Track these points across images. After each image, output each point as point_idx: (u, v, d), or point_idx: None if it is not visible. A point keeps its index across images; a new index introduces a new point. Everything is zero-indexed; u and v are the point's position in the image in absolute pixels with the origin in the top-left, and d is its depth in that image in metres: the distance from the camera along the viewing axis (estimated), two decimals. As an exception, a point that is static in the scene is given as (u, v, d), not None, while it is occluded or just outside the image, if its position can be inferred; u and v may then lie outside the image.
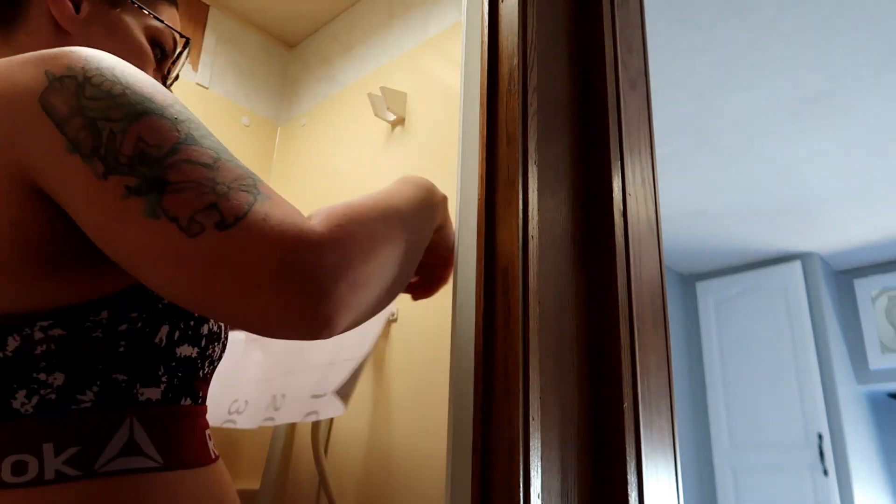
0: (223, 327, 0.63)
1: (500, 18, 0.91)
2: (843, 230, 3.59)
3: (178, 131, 0.48)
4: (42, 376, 0.48)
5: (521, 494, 0.66)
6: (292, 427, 1.18)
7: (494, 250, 0.79)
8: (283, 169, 1.53)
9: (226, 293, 0.44)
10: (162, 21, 0.71)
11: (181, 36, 0.74)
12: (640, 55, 1.06)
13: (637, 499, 0.76)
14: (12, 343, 0.47)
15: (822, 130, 2.64)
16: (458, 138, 0.93)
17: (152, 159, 0.46)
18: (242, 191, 0.46)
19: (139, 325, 0.52)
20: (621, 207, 0.89)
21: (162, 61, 0.73)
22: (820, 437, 3.46)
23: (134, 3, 0.70)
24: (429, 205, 0.67)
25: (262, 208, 0.46)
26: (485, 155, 0.84)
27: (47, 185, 0.47)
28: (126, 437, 0.51)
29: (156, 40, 0.72)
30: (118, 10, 0.69)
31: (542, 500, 0.69)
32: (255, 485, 1.13)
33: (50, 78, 0.49)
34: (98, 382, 0.50)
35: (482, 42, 0.91)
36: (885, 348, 3.80)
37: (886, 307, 3.87)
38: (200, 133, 0.50)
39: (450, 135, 1.09)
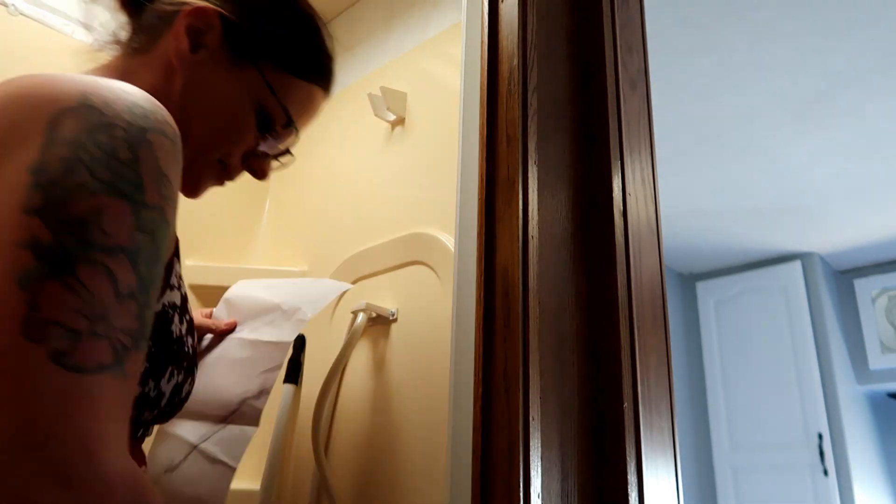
0: (164, 398, 0.59)
1: (500, 18, 0.91)
2: (843, 230, 3.59)
3: (132, 239, 0.43)
4: None
5: (521, 494, 0.66)
6: (292, 427, 1.18)
7: (494, 250, 0.79)
8: (282, 169, 1.53)
9: None
10: (276, 95, 0.67)
11: (289, 121, 0.68)
12: (640, 55, 1.06)
13: (637, 499, 0.76)
14: None
15: (822, 130, 2.64)
16: (458, 138, 0.93)
17: (87, 238, 0.41)
18: (113, 347, 0.40)
19: None
20: (621, 207, 0.89)
21: (265, 135, 0.69)
22: (820, 437, 3.46)
23: (260, 71, 0.66)
24: None
25: (105, 384, 0.39)
26: (485, 155, 0.84)
27: None
28: None
29: (264, 108, 0.67)
30: (236, 69, 0.65)
31: (542, 500, 0.69)
32: (255, 485, 1.13)
33: (81, 101, 0.46)
34: None
35: (482, 42, 0.91)
36: (885, 348, 3.80)
37: (886, 307, 3.87)
38: (148, 255, 0.45)
39: (450, 135, 1.09)
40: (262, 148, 0.70)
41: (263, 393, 0.84)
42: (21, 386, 0.36)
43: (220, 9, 0.65)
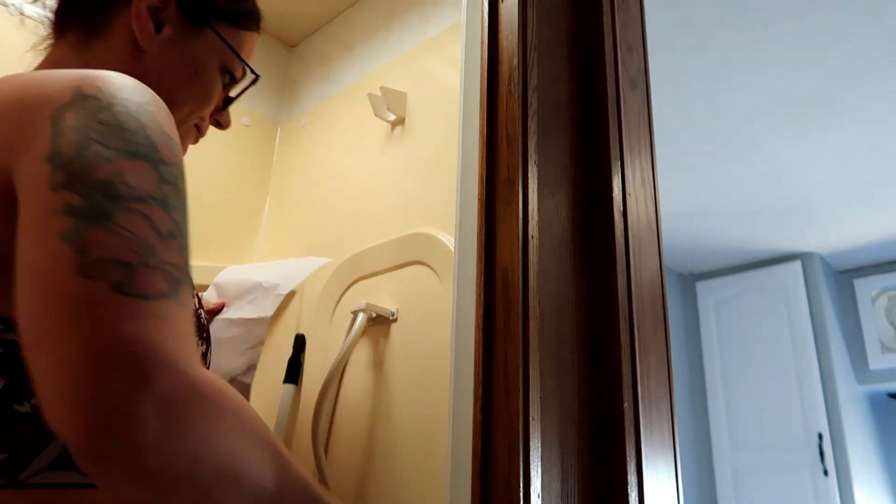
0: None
1: (500, 18, 0.91)
2: (843, 230, 3.59)
3: (159, 189, 0.47)
4: None
5: (521, 494, 0.66)
6: (292, 427, 1.18)
7: (494, 250, 0.79)
8: (283, 169, 1.53)
9: (58, 349, 0.38)
10: (239, 56, 0.72)
11: (253, 72, 0.74)
12: (640, 55, 1.06)
13: (637, 499, 0.76)
14: None
15: (822, 130, 2.64)
16: (458, 138, 0.93)
17: (116, 194, 0.44)
18: (166, 277, 0.43)
19: None
20: (621, 207, 0.89)
21: (226, 86, 0.74)
22: (820, 437, 3.46)
23: (215, 30, 0.70)
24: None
25: (168, 308, 0.42)
26: (485, 155, 0.84)
27: (17, 191, 0.45)
28: (58, 450, 0.48)
29: (227, 68, 0.72)
30: (196, 35, 0.70)
31: (542, 500, 0.69)
32: (255, 485, 1.13)
33: (76, 95, 0.49)
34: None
35: (482, 42, 0.91)
36: (885, 348, 3.80)
37: (886, 307, 3.87)
38: (177, 204, 0.48)
39: (450, 135, 1.09)
40: (226, 115, 0.76)
41: (251, 369, 0.86)
42: (93, 317, 0.39)
43: None
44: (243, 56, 0.74)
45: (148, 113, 0.50)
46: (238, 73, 0.74)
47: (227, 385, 0.44)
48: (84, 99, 0.48)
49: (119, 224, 0.43)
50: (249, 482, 0.44)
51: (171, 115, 0.54)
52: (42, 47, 0.70)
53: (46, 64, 0.67)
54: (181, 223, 0.48)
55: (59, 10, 0.70)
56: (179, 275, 0.45)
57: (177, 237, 0.46)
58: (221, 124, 0.77)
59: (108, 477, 0.39)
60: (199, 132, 0.76)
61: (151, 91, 0.54)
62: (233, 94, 0.77)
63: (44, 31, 0.71)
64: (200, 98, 0.70)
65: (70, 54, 0.67)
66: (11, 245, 0.44)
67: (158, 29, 0.67)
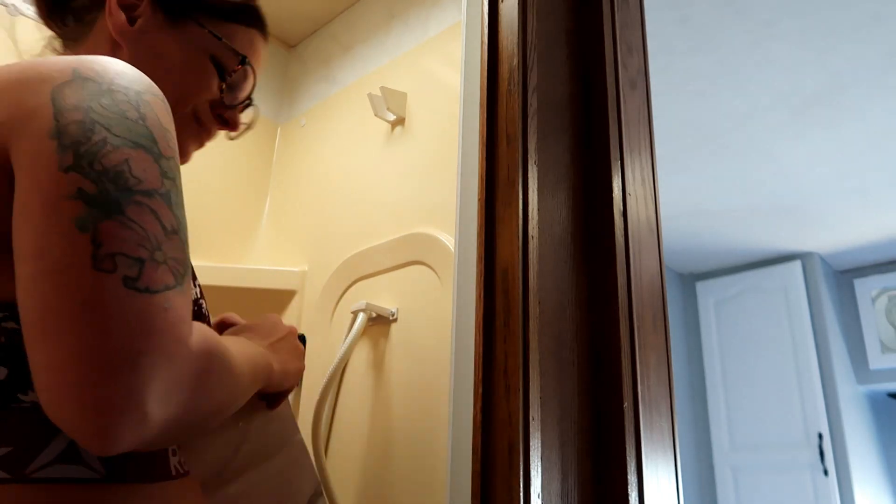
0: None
1: (500, 18, 0.91)
2: (843, 230, 3.59)
3: (162, 183, 0.48)
4: None
5: (521, 494, 0.66)
6: (292, 427, 1.18)
7: (494, 250, 0.79)
8: (283, 169, 1.53)
9: (70, 342, 0.40)
10: (220, 39, 0.70)
11: (236, 55, 0.71)
12: (640, 55, 1.06)
13: (637, 499, 0.76)
14: None
15: (822, 130, 2.63)
16: (458, 138, 0.93)
17: (125, 186, 0.45)
18: (171, 272, 0.45)
19: None
20: (621, 207, 0.89)
21: (223, 82, 0.72)
22: (820, 437, 3.46)
23: (199, 23, 0.69)
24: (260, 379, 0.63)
25: (173, 298, 0.44)
26: (485, 155, 0.84)
27: (15, 166, 0.45)
28: (65, 443, 0.47)
29: (219, 61, 0.71)
30: (177, 28, 0.69)
31: (542, 500, 0.69)
32: (255, 485, 1.13)
33: (75, 75, 0.49)
34: None
35: (482, 42, 0.91)
36: (885, 348, 3.80)
37: (886, 307, 3.87)
38: (177, 200, 0.49)
39: (450, 135, 1.09)
40: (225, 98, 0.73)
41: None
42: (104, 313, 0.41)
43: None
44: (244, 54, 0.72)
45: (146, 103, 0.50)
46: (230, 64, 0.71)
47: (209, 338, 0.48)
48: (83, 80, 0.49)
49: (130, 217, 0.44)
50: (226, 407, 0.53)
51: (168, 106, 0.54)
52: (38, 52, 0.71)
53: None
54: (182, 219, 0.49)
55: (49, 16, 0.71)
56: (182, 269, 0.47)
57: (179, 233, 0.48)
58: (227, 123, 0.75)
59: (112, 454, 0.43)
60: (204, 129, 0.74)
61: (149, 79, 0.54)
62: (237, 93, 0.75)
63: (41, 32, 0.73)
64: (184, 84, 0.69)
65: (65, 53, 0.69)
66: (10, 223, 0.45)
67: (132, 22, 0.67)
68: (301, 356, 0.75)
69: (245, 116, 0.79)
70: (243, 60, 0.72)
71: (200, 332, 0.47)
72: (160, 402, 0.42)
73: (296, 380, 0.73)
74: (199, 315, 0.62)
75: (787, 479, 3.52)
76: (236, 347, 0.56)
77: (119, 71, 0.51)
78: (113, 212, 0.43)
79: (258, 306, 1.33)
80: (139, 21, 0.67)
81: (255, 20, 0.75)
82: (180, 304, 0.45)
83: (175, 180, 0.50)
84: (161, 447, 0.50)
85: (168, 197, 0.48)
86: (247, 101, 0.77)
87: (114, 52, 0.67)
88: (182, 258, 0.47)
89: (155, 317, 0.42)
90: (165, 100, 0.54)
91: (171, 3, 0.69)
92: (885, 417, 4.09)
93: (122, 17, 0.67)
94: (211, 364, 0.47)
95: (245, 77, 0.74)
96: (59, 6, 0.71)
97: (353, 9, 1.51)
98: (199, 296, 0.64)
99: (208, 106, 0.73)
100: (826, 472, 3.39)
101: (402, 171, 1.19)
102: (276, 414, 0.75)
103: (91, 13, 0.69)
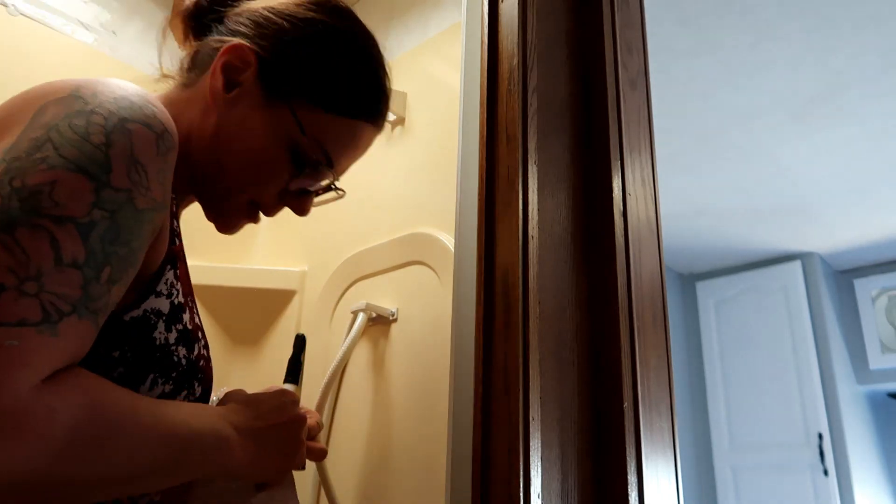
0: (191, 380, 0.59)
1: (500, 18, 0.91)
2: (843, 230, 3.59)
3: (88, 213, 0.44)
4: None
5: (521, 494, 0.66)
6: (292, 427, 1.18)
7: (494, 250, 0.79)
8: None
9: None
10: (305, 133, 0.64)
11: (327, 160, 0.66)
12: (640, 55, 1.06)
13: (637, 499, 0.76)
14: None
15: (822, 130, 2.63)
16: (458, 138, 0.93)
17: (34, 206, 0.42)
18: (43, 306, 0.41)
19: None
20: (621, 207, 0.89)
21: (302, 175, 0.67)
22: (820, 437, 3.46)
23: (292, 109, 0.64)
24: (190, 445, 0.52)
25: (26, 336, 0.40)
26: (485, 155, 0.84)
27: None
28: None
29: (298, 150, 0.65)
30: (270, 109, 0.64)
31: (542, 500, 0.69)
32: (255, 485, 1.13)
33: (71, 94, 0.48)
34: None
35: (482, 42, 0.91)
36: (885, 348, 3.80)
37: (886, 307, 3.87)
38: (106, 234, 0.45)
39: (450, 135, 1.09)
40: (300, 185, 0.68)
41: None
42: None
43: (255, 47, 0.64)
44: (336, 145, 0.67)
45: (124, 131, 0.48)
46: (313, 157, 0.65)
47: (77, 399, 0.42)
48: (75, 99, 0.48)
49: (17, 239, 0.41)
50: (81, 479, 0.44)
51: (165, 140, 0.51)
52: (151, 88, 0.69)
53: (161, 99, 0.67)
54: (100, 254, 0.45)
55: (189, 56, 0.69)
56: (66, 307, 0.42)
57: (83, 268, 0.43)
58: (296, 209, 0.70)
59: None
60: (257, 211, 0.69)
61: (159, 112, 0.51)
62: (309, 186, 0.70)
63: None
64: (255, 172, 0.65)
65: (164, 97, 0.67)
66: None
67: (229, 89, 0.64)
68: (293, 453, 0.63)
69: (328, 196, 0.75)
70: (328, 162, 0.66)
71: (66, 382, 0.42)
72: None
73: (274, 477, 0.63)
74: (166, 363, 0.56)
75: (787, 479, 3.52)
76: (160, 419, 0.48)
77: (120, 95, 0.50)
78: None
79: (258, 306, 1.33)
80: (236, 90, 0.64)
81: (366, 113, 0.69)
82: (33, 346, 0.40)
83: (115, 214, 0.46)
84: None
85: (88, 228, 0.44)
86: (321, 189, 0.72)
87: (203, 112, 0.64)
88: (73, 296, 0.42)
89: None
90: (165, 136, 0.51)
91: (275, 80, 0.64)
92: (885, 417, 4.09)
93: (221, 81, 0.63)
94: (70, 423, 0.41)
95: (320, 172, 0.68)
96: (200, 31, 0.69)
97: (353, 9, 1.51)
98: (172, 342, 0.58)
99: (274, 193, 0.68)
100: (826, 472, 3.39)
101: (402, 171, 1.19)
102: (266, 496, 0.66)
103: (209, 62, 0.65)
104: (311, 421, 0.73)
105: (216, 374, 0.70)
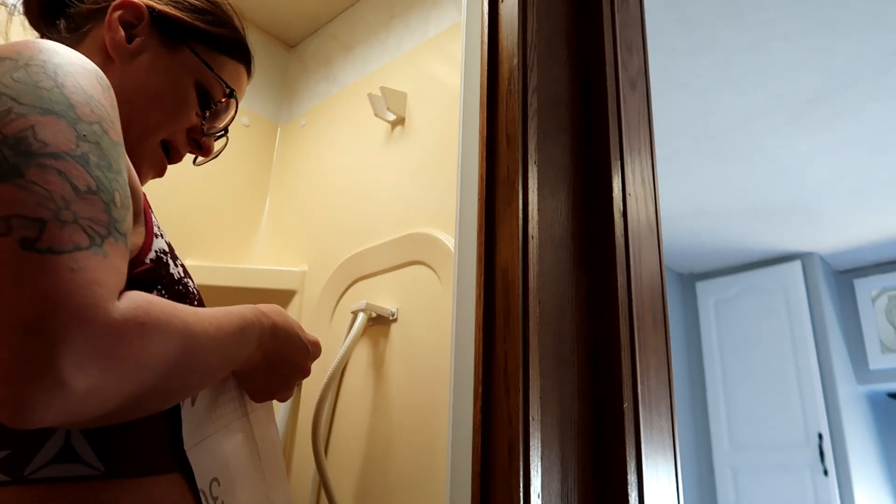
0: None
1: (500, 18, 0.91)
2: (843, 230, 3.59)
3: (76, 145, 0.45)
4: None
5: (521, 494, 0.66)
6: (293, 427, 1.18)
7: (494, 250, 0.79)
8: (283, 169, 1.53)
9: None
10: (212, 69, 0.72)
11: (227, 87, 0.74)
12: (640, 55, 1.06)
13: (637, 499, 0.76)
14: None
15: (822, 130, 2.64)
16: (458, 138, 0.93)
17: (27, 150, 0.43)
18: (85, 231, 0.42)
19: None
20: (621, 207, 0.89)
21: (206, 111, 0.73)
22: (820, 437, 3.46)
23: (193, 51, 0.71)
24: (242, 337, 0.58)
25: (85, 259, 0.41)
26: (485, 155, 0.84)
27: None
28: (61, 443, 0.48)
29: (204, 89, 0.72)
30: (171, 53, 0.70)
31: (542, 500, 0.69)
32: (255, 485, 1.13)
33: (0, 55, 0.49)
34: None
35: (482, 42, 0.91)
36: (885, 348, 3.80)
37: (886, 307, 3.87)
38: (100, 161, 0.47)
39: (450, 135, 1.09)
40: (205, 126, 0.74)
41: None
42: (1, 278, 0.38)
43: (146, 1, 0.70)
44: (229, 84, 0.74)
45: (67, 73, 0.49)
46: (216, 94, 0.73)
47: (144, 305, 0.44)
48: (3, 60, 0.48)
49: (30, 179, 0.42)
50: (178, 388, 0.49)
51: (102, 79, 0.53)
52: None
53: None
54: (106, 180, 0.46)
55: (40, 17, 0.73)
56: (102, 230, 0.44)
57: (99, 193, 0.45)
58: (201, 148, 0.76)
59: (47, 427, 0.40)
60: (169, 157, 0.74)
61: (82, 58, 0.53)
62: (217, 122, 0.76)
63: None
64: (168, 110, 0.70)
65: None
66: None
67: (130, 41, 0.68)
68: (278, 388, 0.68)
69: (218, 144, 0.81)
70: (231, 93, 0.74)
71: (131, 299, 0.43)
72: (78, 369, 0.38)
73: (254, 388, 0.66)
74: (186, 295, 0.60)
75: (787, 479, 3.52)
76: (204, 315, 0.51)
77: (45, 48, 0.51)
78: (9, 176, 0.41)
79: (258, 306, 1.33)
80: (136, 40, 0.69)
81: (244, 56, 0.78)
82: (94, 265, 0.41)
83: (99, 143, 0.47)
84: (113, 421, 0.46)
85: (84, 158, 0.45)
86: (223, 131, 0.79)
87: (105, 64, 0.68)
88: (102, 219, 0.44)
89: (58, 278, 0.39)
90: (101, 74, 0.54)
91: (169, 27, 0.70)
92: (885, 417, 4.09)
93: (121, 34, 0.68)
94: (146, 331, 0.43)
95: (228, 108, 0.76)
96: (54, 9, 0.72)
97: (353, 9, 1.51)
98: (182, 275, 0.62)
99: (185, 133, 0.74)
100: (826, 472, 3.39)
101: (402, 171, 1.19)
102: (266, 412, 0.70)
103: (88, 23, 0.70)
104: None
105: (216, 374, 0.70)
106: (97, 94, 0.51)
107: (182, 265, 0.64)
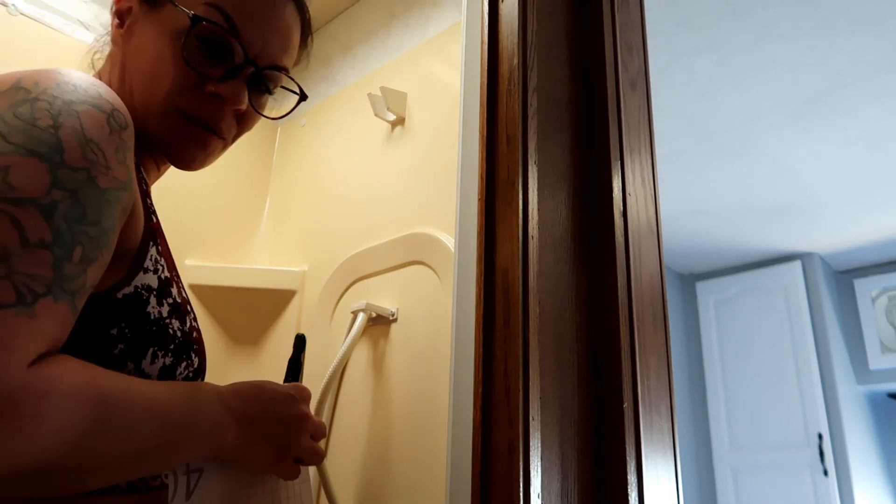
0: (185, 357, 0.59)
1: (500, 18, 0.91)
2: (843, 230, 3.59)
3: (47, 193, 0.44)
4: None
5: (521, 494, 0.66)
6: (292, 427, 1.18)
7: (494, 250, 0.79)
8: (282, 169, 1.53)
9: None
10: (176, 5, 0.62)
11: (223, 17, 0.61)
12: (640, 55, 1.06)
13: (637, 499, 0.76)
14: None
15: (822, 130, 2.63)
16: (458, 138, 0.93)
17: None
18: (16, 287, 0.40)
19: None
20: (621, 207, 0.89)
21: (217, 64, 0.63)
22: (820, 437, 3.46)
23: (172, 3, 0.63)
24: (193, 402, 0.54)
25: (7, 316, 0.39)
26: (485, 155, 0.84)
27: None
28: None
29: (192, 37, 0.62)
30: (154, 15, 0.64)
31: (542, 499, 0.69)
32: (255, 485, 1.13)
33: (14, 86, 0.48)
34: None
35: (482, 42, 0.91)
36: (885, 348, 3.80)
37: (886, 307, 3.87)
38: (71, 212, 0.45)
39: (450, 135, 1.09)
40: (219, 74, 0.63)
41: None
42: None
43: None
44: (231, 13, 0.63)
45: (71, 112, 0.48)
46: (210, 29, 0.62)
47: (61, 375, 0.42)
48: (17, 90, 0.48)
49: None
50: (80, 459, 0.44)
51: (116, 119, 0.51)
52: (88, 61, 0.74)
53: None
54: (68, 233, 0.44)
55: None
56: (40, 288, 0.41)
57: (52, 247, 0.43)
58: (232, 99, 0.64)
59: None
60: (214, 129, 0.65)
61: (104, 93, 0.52)
62: (215, 68, 0.64)
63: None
64: (161, 75, 0.62)
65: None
66: None
67: (122, 24, 0.67)
68: (286, 448, 0.62)
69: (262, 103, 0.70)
70: (231, 25, 0.62)
71: (48, 367, 0.41)
72: None
73: (269, 468, 0.63)
74: (161, 336, 0.57)
75: (787, 480, 3.52)
76: (139, 386, 0.49)
77: (63, 81, 0.50)
78: None
79: (258, 306, 1.33)
80: (128, 21, 0.66)
81: None
82: (14, 328, 0.39)
83: (77, 193, 0.45)
84: (45, 492, 0.43)
85: (50, 208, 0.43)
86: (228, 75, 0.64)
87: (113, 62, 0.67)
88: (45, 276, 0.42)
89: None
90: (116, 115, 0.51)
91: None
92: (885, 417, 4.09)
93: (116, 22, 0.67)
94: (46, 401, 0.40)
95: (219, 46, 0.63)
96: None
97: (353, 9, 1.51)
98: (166, 315, 0.58)
99: (197, 94, 0.64)
100: (826, 473, 3.39)
101: (402, 171, 1.19)
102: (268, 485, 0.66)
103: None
104: (318, 420, 0.71)
105: (216, 375, 0.70)
106: (99, 136, 0.49)
107: (174, 301, 0.60)
